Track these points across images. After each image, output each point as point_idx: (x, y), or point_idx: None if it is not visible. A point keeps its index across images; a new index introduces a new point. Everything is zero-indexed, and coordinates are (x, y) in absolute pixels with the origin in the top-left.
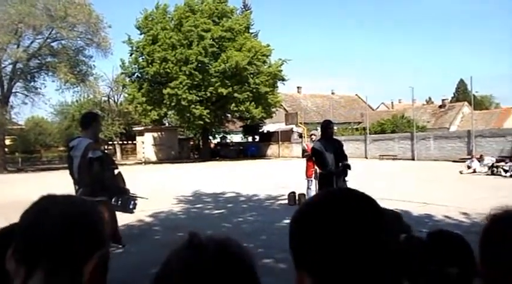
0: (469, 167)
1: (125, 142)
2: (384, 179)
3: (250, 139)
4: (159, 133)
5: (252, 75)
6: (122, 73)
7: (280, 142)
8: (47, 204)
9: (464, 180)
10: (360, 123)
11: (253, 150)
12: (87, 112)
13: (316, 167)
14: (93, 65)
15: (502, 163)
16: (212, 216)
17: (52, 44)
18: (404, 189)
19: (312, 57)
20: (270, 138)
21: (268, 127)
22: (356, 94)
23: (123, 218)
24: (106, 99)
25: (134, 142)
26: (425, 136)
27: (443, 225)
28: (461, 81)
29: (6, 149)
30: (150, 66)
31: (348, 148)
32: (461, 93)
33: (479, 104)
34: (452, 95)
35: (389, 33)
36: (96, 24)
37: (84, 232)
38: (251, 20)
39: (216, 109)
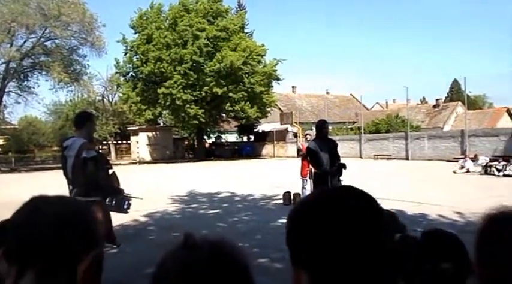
0: (462, 167)
1: (120, 142)
2: (378, 178)
3: (245, 139)
4: (154, 133)
5: (246, 75)
6: (116, 72)
7: (275, 142)
8: (38, 204)
9: (458, 179)
10: (354, 122)
11: (248, 150)
12: (81, 112)
13: (311, 167)
14: (87, 64)
15: (495, 163)
16: (207, 216)
17: (45, 43)
18: (398, 188)
19: (307, 57)
20: (265, 137)
21: (263, 127)
22: (351, 94)
23: (117, 219)
24: (100, 98)
25: (129, 142)
26: (420, 136)
27: (438, 224)
28: (455, 81)
29: None
30: (145, 65)
31: (343, 147)
32: (455, 93)
33: (473, 104)
34: (446, 95)
35: (384, 34)
36: (90, 23)
37: (76, 232)
38: (246, 20)
39: (211, 109)
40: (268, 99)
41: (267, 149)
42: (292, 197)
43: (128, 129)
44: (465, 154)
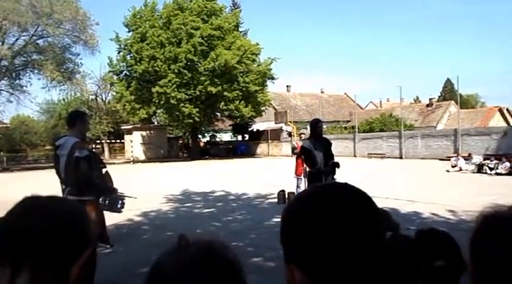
0: (454, 165)
1: (113, 141)
2: (372, 177)
3: (239, 138)
4: (148, 132)
5: (241, 74)
6: (110, 71)
7: (269, 141)
8: (31, 204)
9: (451, 178)
10: (348, 121)
11: (242, 149)
12: (73, 111)
13: (305, 165)
14: (80, 63)
15: (488, 161)
16: (202, 215)
17: (38, 41)
18: (392, 187)
19: (301, 56)
20: (259, 136)
21: (258, 125)
22: (345, 93)
23: (111, 218)
24: (93, 97)
25: (122, 141)
26: (413, 135)
27: (431, 222)
28: (448, 81)
29: None
30: (139, 64)
31: (337, 146)
32: (448, 92)
33: (466, 103)
34: (439, 94)
35: (378, 33)
36: (83, 22)
37: (69, 232)
38: (240, 19)
39: (206, 107)
40: (262, 98)
41: (262, 148)
42: (286, 196)
43: (122, 128)
44: (458, 152)
